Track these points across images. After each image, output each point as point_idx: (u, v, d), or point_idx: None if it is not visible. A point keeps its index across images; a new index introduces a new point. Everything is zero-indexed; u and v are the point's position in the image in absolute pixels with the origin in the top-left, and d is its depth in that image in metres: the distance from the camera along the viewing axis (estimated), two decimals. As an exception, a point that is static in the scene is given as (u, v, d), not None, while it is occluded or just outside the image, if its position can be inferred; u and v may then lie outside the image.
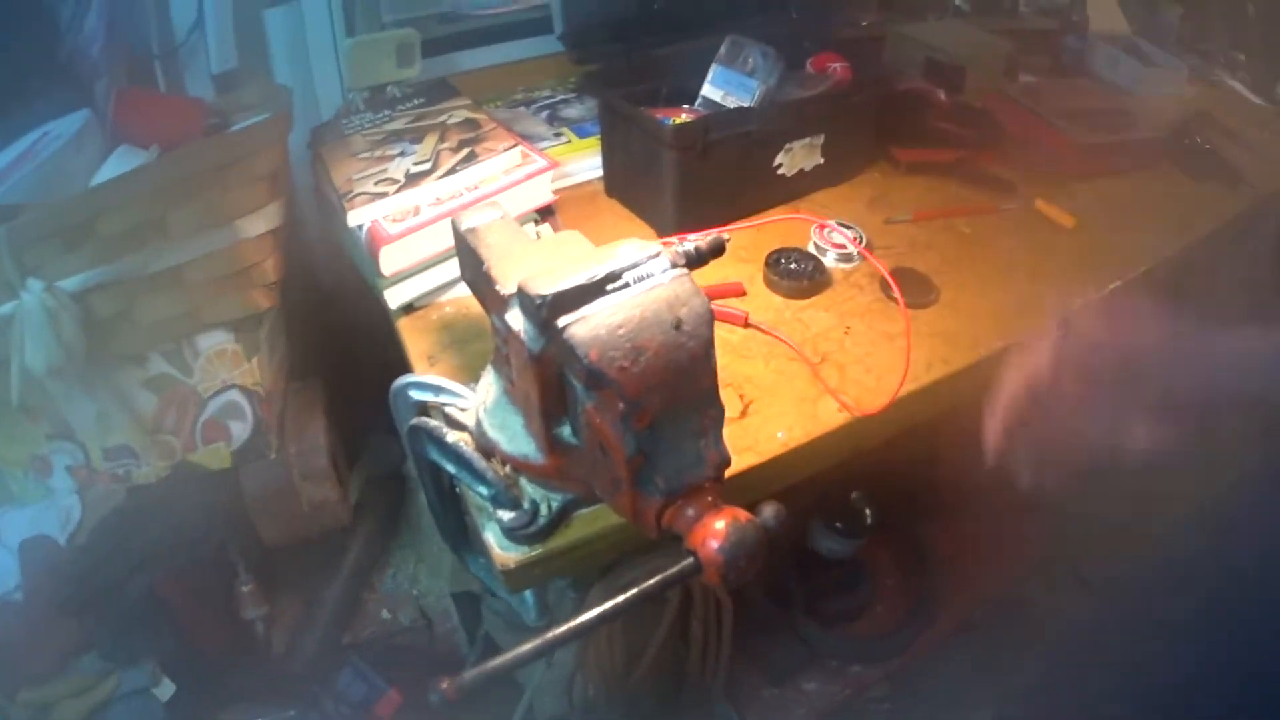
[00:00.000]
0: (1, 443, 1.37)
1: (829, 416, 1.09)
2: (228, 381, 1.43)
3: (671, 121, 1.43)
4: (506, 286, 0.84)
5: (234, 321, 1.38)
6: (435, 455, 1.00)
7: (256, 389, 1.44)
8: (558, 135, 1.60)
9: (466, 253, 0.95)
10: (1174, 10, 1.98)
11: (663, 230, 1.39)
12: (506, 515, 0.94)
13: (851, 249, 1.32)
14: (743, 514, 0.75)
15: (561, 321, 0.74)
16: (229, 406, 1.45)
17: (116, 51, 1.50)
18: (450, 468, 0.99)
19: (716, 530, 0.72)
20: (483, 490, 0.95)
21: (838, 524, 1.65)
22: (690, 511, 0.76)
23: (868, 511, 1.66)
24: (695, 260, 0.82)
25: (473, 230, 0.95)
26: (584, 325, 0.74)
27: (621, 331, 0.73)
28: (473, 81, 1.75)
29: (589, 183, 1.55)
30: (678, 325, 0.74)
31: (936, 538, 1.90)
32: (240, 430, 1.47)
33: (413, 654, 1.74)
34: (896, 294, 1.18)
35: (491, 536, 0.96)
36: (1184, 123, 1.67)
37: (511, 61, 1.83)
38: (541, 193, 1.32)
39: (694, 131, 1.29)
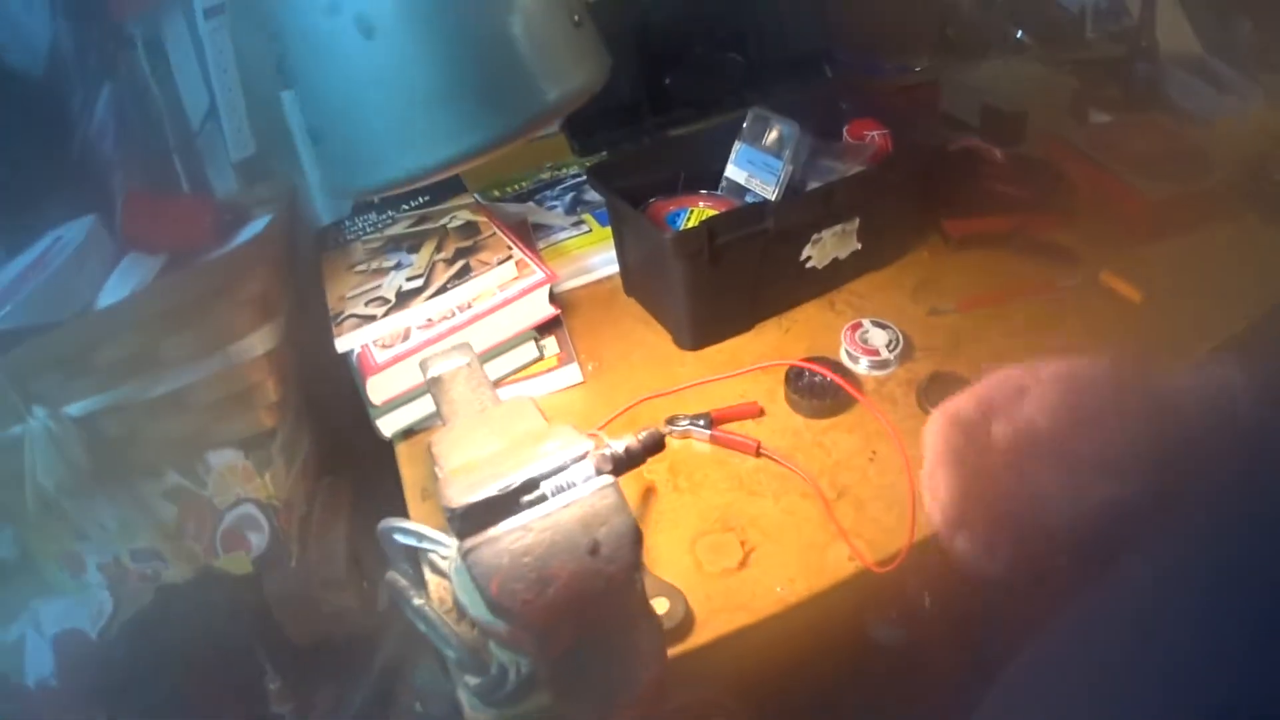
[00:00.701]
0: (36, 538, 1.34)
1: (837, 565, 0.98)
2: (241, 496, 1.38)
3: (688, 213, 1.33)
4: (443, 469, 0.76)
5: (241, 440, 1.34)
6: (408, 612, 0.93)
7: (272, 502, 1.40)
8: (577, 225, 1.50)
9: (434, 400, 0.90)
10: (1244, 24, 1.80)
11: (679, 338, 1.29)
12: (473, 680, 0.87)
13: (886, 356, 1.20)
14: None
15: (465, 545, 0.66)
16: (245, 519, 1.41)
17: (131, 145, 1.46)
18: (421, 627, 0.92)
19: None
20: (449, 654, 0.88)
21: (892, 612, 1.53)
22: (628, 721, 0.68)
23: (926, 596, 1.54)
24: (625, 464, 0.72)
25: (437, 380, 0.90)
26: (488, 550, 0.65)
27: (527, 560, 0.64)
28: (496, 160, 1.67)
29: (610, 278, 1.44)
30: (594, 549, 0.65)
31: (998, 618, 1.76)
32: (259, 540, 1.43)
33: (444, 749, 1.68)
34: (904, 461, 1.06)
35: (463, 696, 0.88)
36: (1261, 158, 1.51)
37: (540, 136, 1.73)
38: (538, 309, 1.23)
39: (697, 239, 1.17)
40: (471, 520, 0.67)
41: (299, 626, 1.55)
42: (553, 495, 0.68)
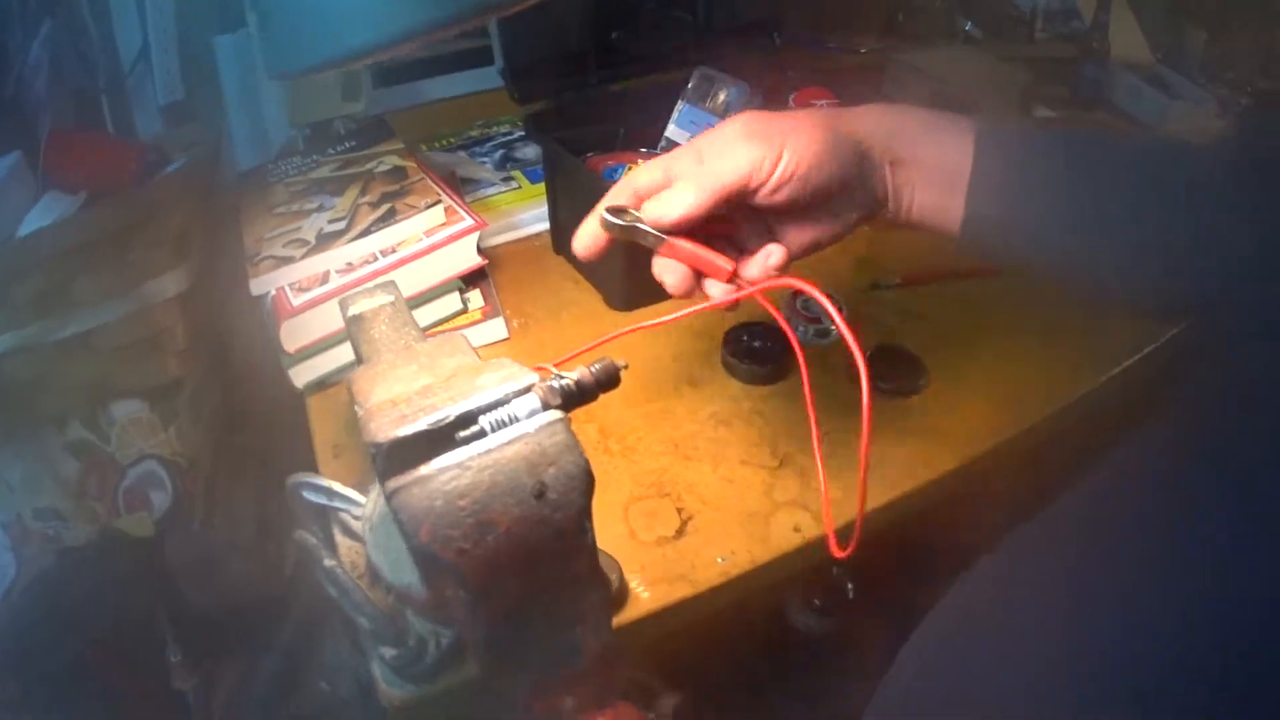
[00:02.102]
0: (-56, 492, 1.29)
1: (782, 537, 0.93)
2: (145, 451, 1.32)
3: (625, 170, 1.28)
4: (364, 405, 0.70)
5: (148, 389, 1.29)
6: (319, 575, 0.86)
7: (176, 459, 1.33)
8: (506, 180, 1.44)
9: (353, 341, 0.82)
10: (1199, 36, 1.81)
11: (611, 298, 1.23)
12: (389, 651, 0.80)
13: (828, 324, 1.15)
14: (628, 713, 0.60)
15: (391, 484, 0.59)
16: (148, 476, 1.35)
17: (62, 84, 1.39)
18: (332, 592, 0.85)
19: None
20: (362, 622, 0.81)
21: (816, 600, 1.49)
22: (569, 702, 0.62)
23: (850, 586, 1.50)
24: (575, 398, 0.65)
25: (358, 318, 0.83)
26: (418, 491, 0.58)
27: (463, 503, 0.57)
28: (427, 115, 1.61)
29: (539, 235, 1.38)
30: (540, 493, 0.58)
31: (924, 601, 1.73)
32: (161, 500, 1.36)
33: (351, 730, 1.61)
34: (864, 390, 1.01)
35: (377, 669, 0.82)
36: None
37: (473, 93, 1.67)
38: (466, 257, 1.16)
39: (638, 191, 1.11)
40: (398, 459, 0.60)
41: (202, 595, 1.48)
42: (493, 431, 0.61)
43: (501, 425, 0.61)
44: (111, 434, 1.29)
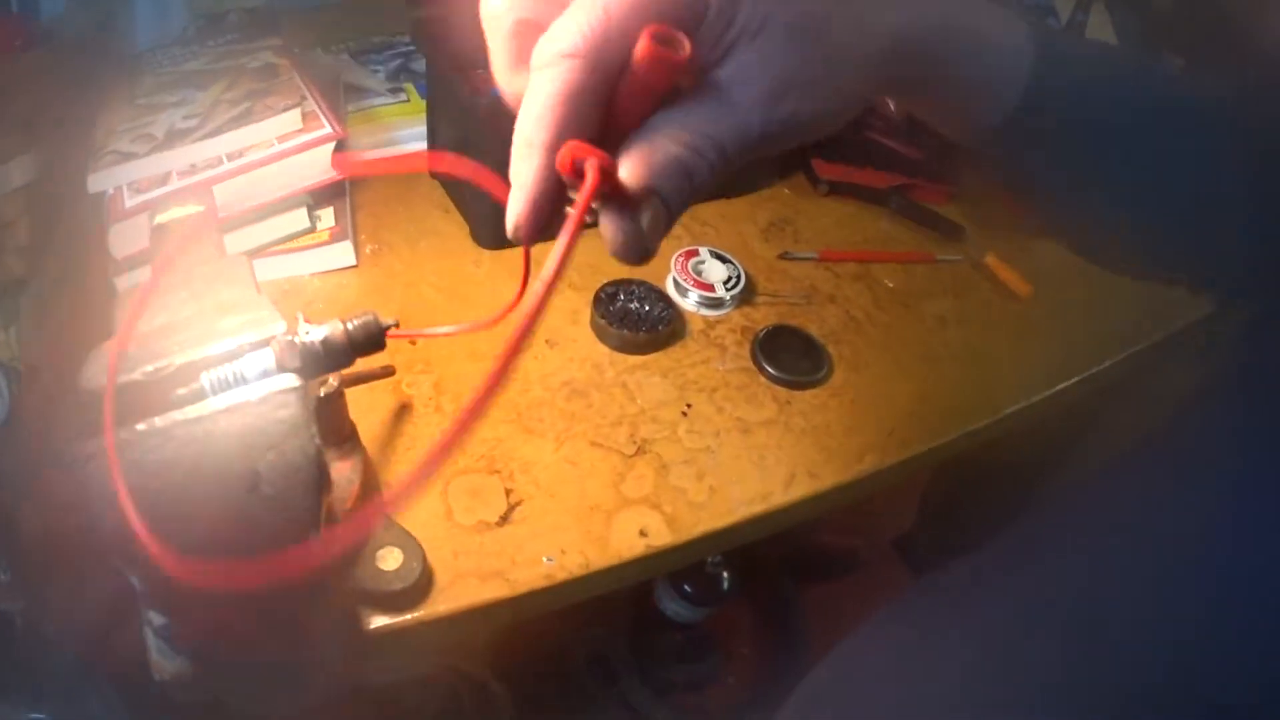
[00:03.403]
0: None
1: (623, 541, 0.81)
2: (-15, 353, 1.19)
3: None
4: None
5: None
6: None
7: (14, 364, 1.20)
8: (395, 92, 1.30)
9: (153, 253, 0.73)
10: (1174, 62, 1.72)
11: (478, 234, 1.09)
12: (158, 618, 0.69)
13: (722, 293, 1.04)
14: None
15: (89, 447, 0.47)
16: (-14, 380, 1.22)
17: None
18: (109, 540, 0.74)
19: None
20: (133, 579, 0.70)
21: (687, 587, 1.40)
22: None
23: (725, 576, 1.41)
24: (322, 362, 0.53)
25: (161, 228, 0.73)
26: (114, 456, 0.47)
27: (157, 484, 0.46)
28: (335, 16, 1.47)
29: (420, 154, 1.23)
30: (253, 485, 0.47)
31: (805, 600, 1.66)
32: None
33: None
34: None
35: (149, 636, 0.70)
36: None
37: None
38: (318, 169, 1.02)
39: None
40: (114, 413, 0.49)
41: (31, 512, 1.37)
42: (214, 393, 0.50)
43: (225, 386, 0.49)
44: (-45, 334, 1.18)
